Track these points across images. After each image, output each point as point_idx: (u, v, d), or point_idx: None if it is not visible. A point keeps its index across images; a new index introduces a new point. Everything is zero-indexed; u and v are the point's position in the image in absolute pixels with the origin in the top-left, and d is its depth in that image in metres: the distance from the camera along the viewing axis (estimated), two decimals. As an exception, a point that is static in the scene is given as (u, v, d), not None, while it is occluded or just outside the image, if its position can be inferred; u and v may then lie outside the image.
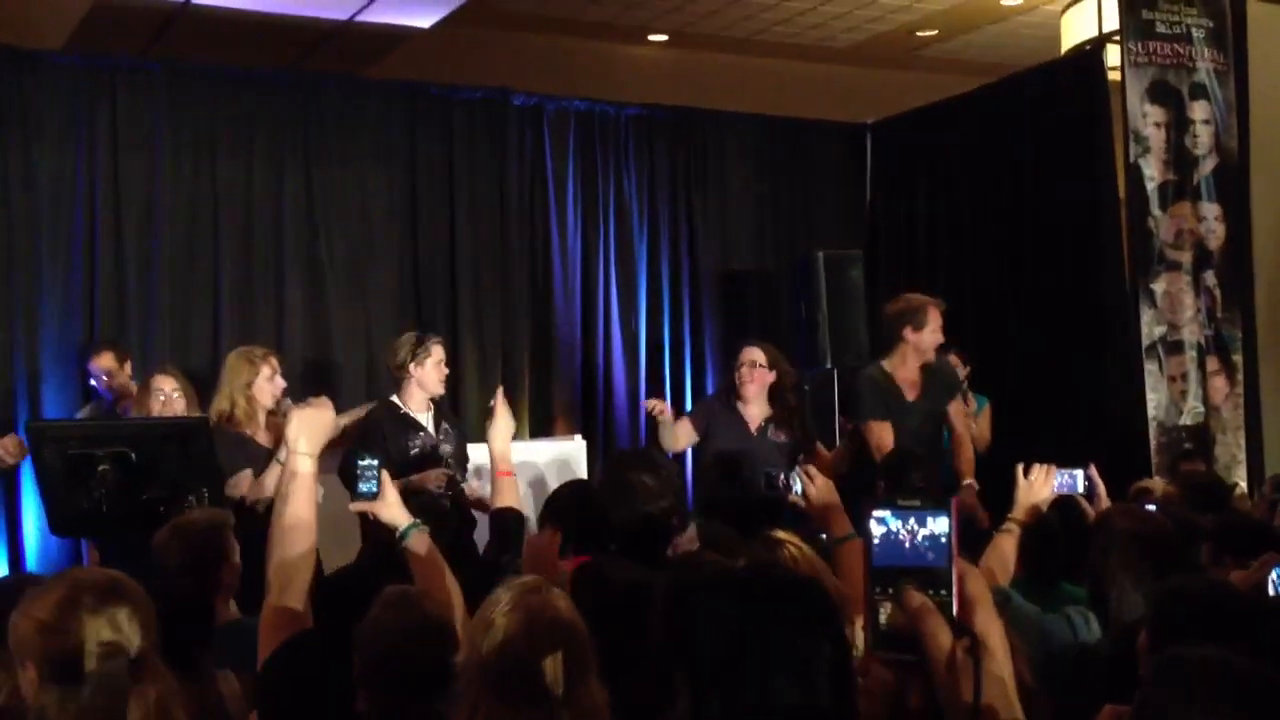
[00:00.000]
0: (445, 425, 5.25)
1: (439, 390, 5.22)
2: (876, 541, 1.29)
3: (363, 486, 3.01)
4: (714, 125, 8.41)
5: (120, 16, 6.88)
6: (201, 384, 5.41)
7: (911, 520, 1.28)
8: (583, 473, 6.35)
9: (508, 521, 3.71)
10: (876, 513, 1.29)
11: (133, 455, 3.96)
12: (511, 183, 7.72)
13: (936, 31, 9.04)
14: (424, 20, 7.52)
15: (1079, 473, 3.82)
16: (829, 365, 7.43)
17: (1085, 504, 3.84)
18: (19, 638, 1.98)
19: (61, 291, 6.53)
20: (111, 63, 6.80)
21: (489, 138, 7.68)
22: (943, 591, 1.26)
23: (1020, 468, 3.65)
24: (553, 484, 5.94)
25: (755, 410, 5.51)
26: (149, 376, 5.23)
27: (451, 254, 7.54)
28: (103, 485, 3.83)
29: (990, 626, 1.26)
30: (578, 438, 6.95)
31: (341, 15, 7.25)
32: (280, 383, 5.12)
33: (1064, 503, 3.79)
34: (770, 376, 5.51)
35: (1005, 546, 3.49)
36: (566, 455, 6.47)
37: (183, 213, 6.85)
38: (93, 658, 1.92)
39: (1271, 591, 2.91)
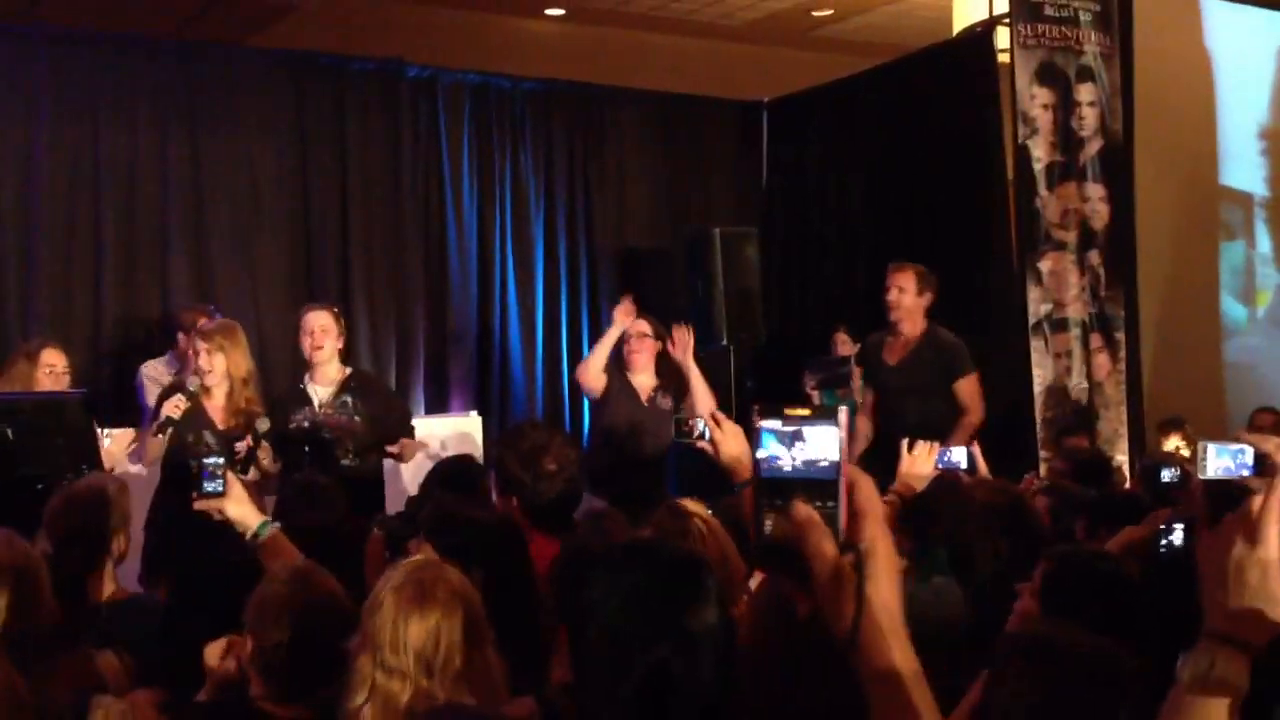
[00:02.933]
0: (347, 399, 5.10)
1: (311, 359, 5.11)
2: (764, 453, 1.25)
3: (208, 485, 2.99)
4: (611, 101, 8.38)
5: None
6: (84, 356, 5.26)
7: (801, 431, 1.24)
8: (479, 449, 6.30)
9: None
10: (765, 424, 1.25)
11: (9, 431, 3.85)
12: (405, 156, 7.61)
13: (832, 11, 9.12)
14: (317, -13, 7.37)
15: (963, 449, 3.89)
16: (725, 342, 7.48)
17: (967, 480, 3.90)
18: None
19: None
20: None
21: (382, 109, 7.55)
22: (830, 503, 1.23)
23: (905, 443, 3.73)
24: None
25: (644, 380, 5.64)
26: (36, 350, 5.07)
27: (344, 227, 7.41)
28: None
29: (878, 539, 1.23)
30: (474, 414, 6.89)
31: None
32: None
33: (945, 479, 3.85)
34: (657, 346, 5.65)
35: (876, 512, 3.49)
36: (463, 431, 6.42)
37: (63, 181, 6.63)
38: None
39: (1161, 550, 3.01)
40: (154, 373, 5.69)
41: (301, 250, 7.31)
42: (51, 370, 4.95)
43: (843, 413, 1.25)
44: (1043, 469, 5.74)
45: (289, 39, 7.58)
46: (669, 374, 5.64)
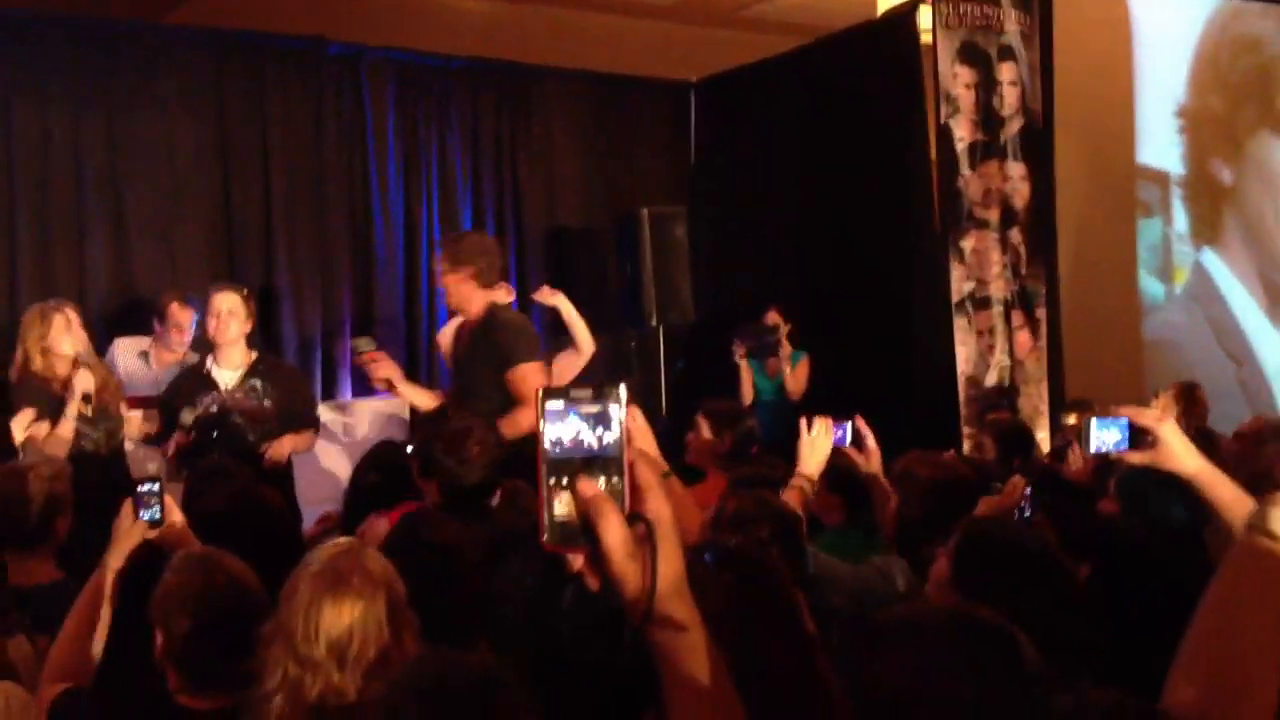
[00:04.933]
0: (255, 383, 5.03)
1: (216, 341, 5.04)
2: (550, 433, 1.26)
3: (144, 514, 2.80)
4: (538, 80, 8.32)
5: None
6: (-3, 339, 5.15)
7: (584, 411, 1.26)
8: (406, 431, 6.26)
9: None
10: (549, 404, 1.26)
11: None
12: (329, 135, 7.48)
13: (758, -10, 9.12)
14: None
15: (847, 424, 3.86)
16: (654, 323, 7.48)
17: (855, 454, 3.91)
18: None
19: None
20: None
21: (303, 88, 7.42)
22: (615, 479, 1.25)
23: (803, 422, 3.66)
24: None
25: None
26: None
27: (266, 209, 7.28)
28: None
29: (662, 512, 1.26)
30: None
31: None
32: (80, 332, 4.98)
33: (833, 455, 3.83)
34: None
35: (793, 502, 3.43)
36: (390, 413, 6.36)
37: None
38: None
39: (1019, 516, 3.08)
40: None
41: (223, 232, 7.18)
42: None
43: (623, 390, 1.26)
44: (966, 446, 5.82)
45: (208, 16, 7.41)
46: None
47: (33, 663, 2.66)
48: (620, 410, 1.26)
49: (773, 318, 6.81)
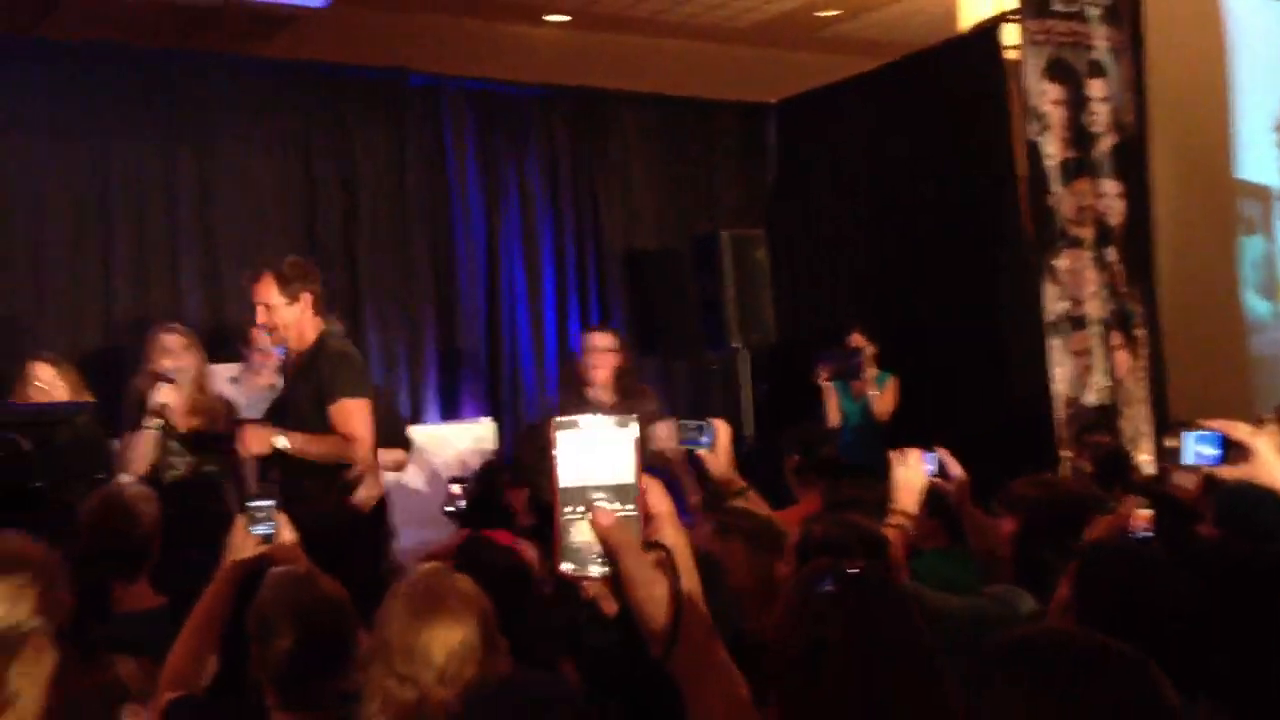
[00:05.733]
0: None
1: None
2: (563, 460, 1.28)
3: (256, 529, 2.83)
4: (615, 106, 8.34)
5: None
6: (93, 368, 5.22)
7: (598, 439, 1.28)
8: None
9: None
10: (562, 432, 1.28)
11: (21, 441, 3.80)
12: (410, 165, 7.57)
13: (838, 11, 9.08)
14: (317, -1, 7.34)
15: (933, 455, 3.76)
16: (736, 346, 7.42)
17: (942, 484, 3.80)
18: None
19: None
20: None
21: (386, 119, 7.51)
22: (630, 507, 1.27)
23: (893, 456, 3.55)
24: (465, 465, 5.90)
25: (604, 395, 5.42)
26: (27, 365, 5.03)
27: (350, 238, 7.37)
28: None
29: (677, 540, 1.28)
30: (487, 419, 6.86)
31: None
32: (185, 356, 4.99)
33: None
34: (617, 360, 5.46)
35: (895, 541, 3.27)
36: (477, 436, 6.39)
37: (69, 195, 6.58)
38: None
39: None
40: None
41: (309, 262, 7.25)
42: (39, 384, 4.86)
43: (634, 421, 1.28)
44: (1065, 469, 5.68)
45: (292, 49, 7.53)
46: (628, 391, 5.41)
47: (146, 683, 2.67)
48: (634, 437, 1.28)
49: (857, 340, 6.72)
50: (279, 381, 5.84)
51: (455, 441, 6.23)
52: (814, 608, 1.93)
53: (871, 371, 6.63)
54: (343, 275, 7.32)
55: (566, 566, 1.27)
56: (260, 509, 2.85)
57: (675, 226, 8.38)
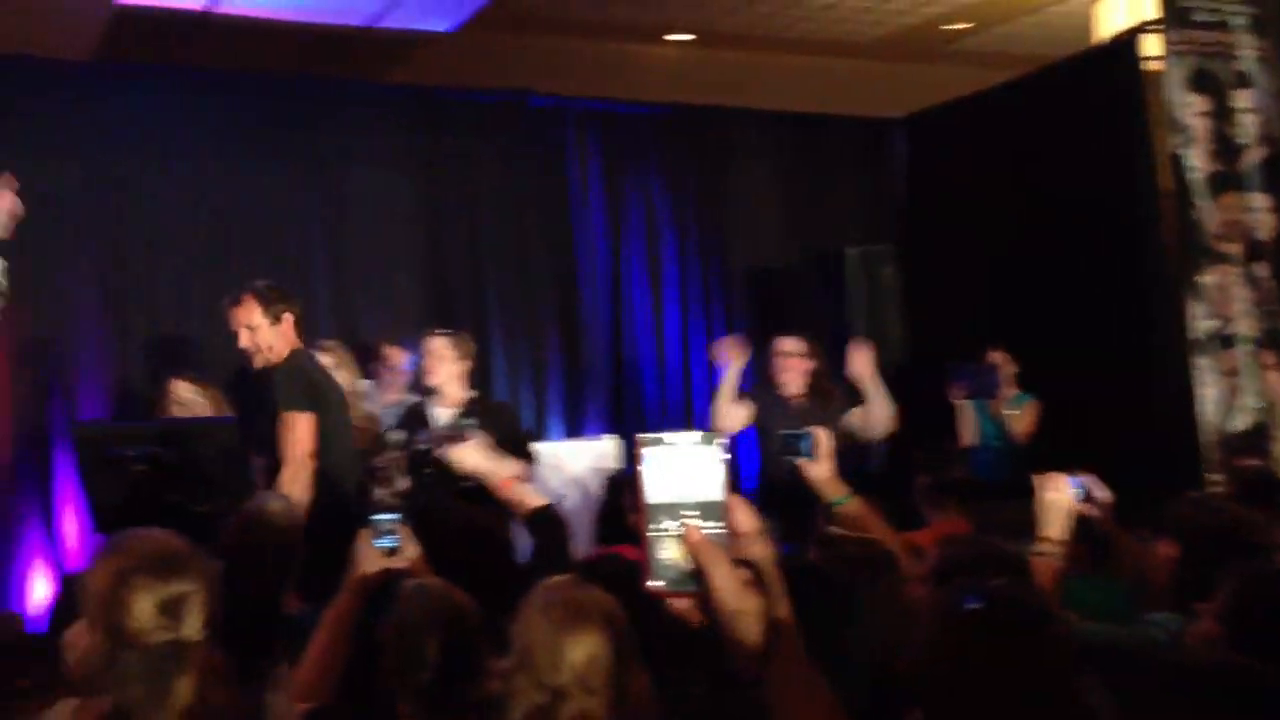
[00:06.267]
0: (469, 421, 5.04)
1: (429, 383, 5.23)
2: (650, 476, 1.29)
3: (381, 543, 2.87)
4: (738, 123, 8.32)
5: (143, 26, 6.81)
6: (230, 388, 5.37)
7: (685, 457, 1.28)
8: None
9: None
10: (647, 449, 1.30)
11: (163, 455, 3.91)
12: (532, 185, 7.67)
13: (968, 24, 8.92)
14: (444, 24, 7.45)
15: (1079, 479, 3.62)
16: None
17: (1088, 510, 3.66)
18: (84, 601, 2.05)
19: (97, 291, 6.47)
20: (135, 70, 6.73)
21: (509, 141, 7.62)
22: (719, 524, 1.27)
23: (1037, 481, 3.42)
24: (590, 483, 5.90)
25: (795, 398, 5.56)
26: (166, 382, 5.18)
27: (476, 259, 7.49)
28: (136, 485, 3.78)
29: (764, 557, 1.28)
30: (610, 436, 6.87)
31: (362, 21, 7.17)
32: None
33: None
34: (807, 364, 5.57)
35: (1043, 571, 3.17)
36: (601, 454, 6.41)
37: (205, 217, 6.77)
38: (146, 630, 1.96)
39: None
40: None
41: (436, 282, 7.38)
42: (180, 402, 5.02)
43: (721, 439, 1.29)
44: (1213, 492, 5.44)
45: (419, 74, 7.67)
46: (822, 394, 5.54)
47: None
48: (722, 458, 1.29)
49: (996, 357, 6.54)
50: (408, 397, 5.96)
51: (578, 459, 6.24)
52: (958, 627, 1.87)
53: (1010, 391, 6.45)
54: (467, 295, 7.43)
55: (655, 583, 1.28)
56: (385, 523, 2.89)
57: (799, 243, 8.31)
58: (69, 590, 2.27)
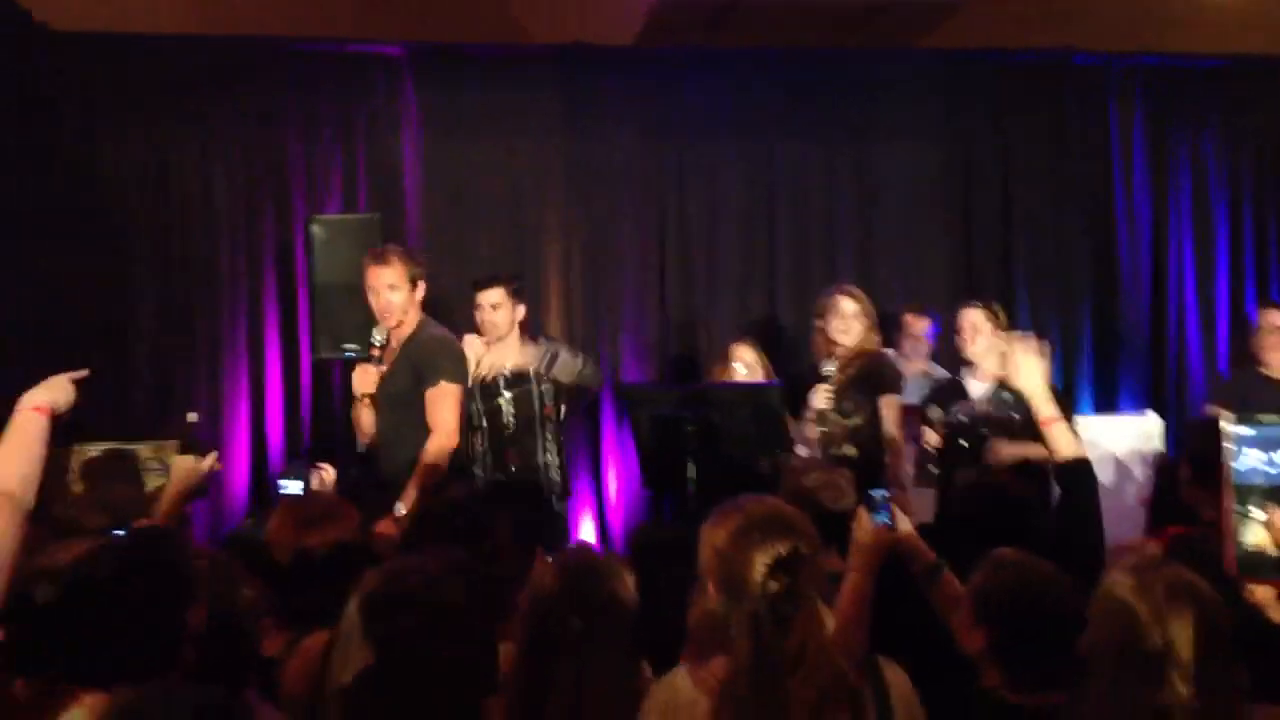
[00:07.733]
0: (1006, 395, 4.95)
1: (965, 355, 5.19)
2: (1236, 458, 1.31)
3: (881, 516, 2.93)
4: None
5: (679, 14, 7.22)
6: (770, 353, 5.65)
7: (1270, 438, 1.29)
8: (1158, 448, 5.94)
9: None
10: (1235, 429, 1.33)
11: (714, 418, 4.22)
12: (1071, 147, 7.38)
13: None
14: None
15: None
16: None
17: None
18: (703, 559, 2.31)
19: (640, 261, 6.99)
20: (677, 54, 7.16)
21: (1048, 103, 7.35)
22: None
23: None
24: (1126, 460, 5.62)
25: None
26: (728, 345, 5.54)
27: (1006, 225, 7.32)
28: (690, 445, 4.10)
29: None
30: (1150, 413, 6.49)
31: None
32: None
33: None
34: None
35: None
36: (1142, 431, 6.06)
37: (742, 191, 7.12)
38: (757, 581, 2.19)
39: None
40: None
41: (962, 249, 7.29)
42: (742, 365, 5.36)
43: None
44: None
45: (953, 38, 7.51)
46: None
47: None
48: None
49: None
50: (930, 368, 5.97)
51: (1117, 437, 5.92)
52: None
53: None
54: (996, 263, 7.27)
55: (1240, 568, 1.31)
56: (879, 497, 2.95)
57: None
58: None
